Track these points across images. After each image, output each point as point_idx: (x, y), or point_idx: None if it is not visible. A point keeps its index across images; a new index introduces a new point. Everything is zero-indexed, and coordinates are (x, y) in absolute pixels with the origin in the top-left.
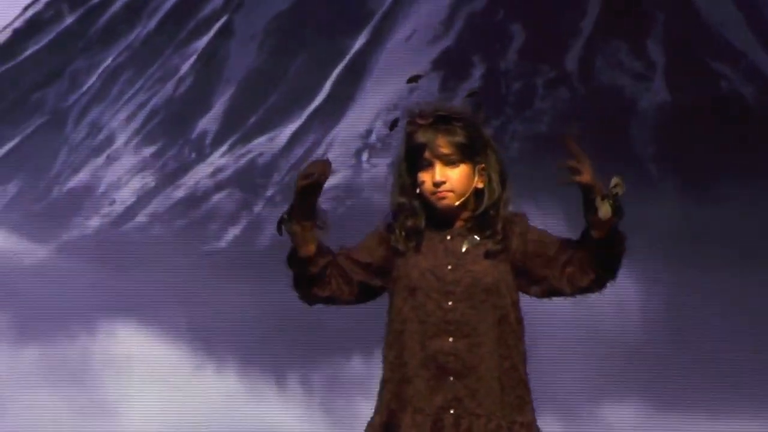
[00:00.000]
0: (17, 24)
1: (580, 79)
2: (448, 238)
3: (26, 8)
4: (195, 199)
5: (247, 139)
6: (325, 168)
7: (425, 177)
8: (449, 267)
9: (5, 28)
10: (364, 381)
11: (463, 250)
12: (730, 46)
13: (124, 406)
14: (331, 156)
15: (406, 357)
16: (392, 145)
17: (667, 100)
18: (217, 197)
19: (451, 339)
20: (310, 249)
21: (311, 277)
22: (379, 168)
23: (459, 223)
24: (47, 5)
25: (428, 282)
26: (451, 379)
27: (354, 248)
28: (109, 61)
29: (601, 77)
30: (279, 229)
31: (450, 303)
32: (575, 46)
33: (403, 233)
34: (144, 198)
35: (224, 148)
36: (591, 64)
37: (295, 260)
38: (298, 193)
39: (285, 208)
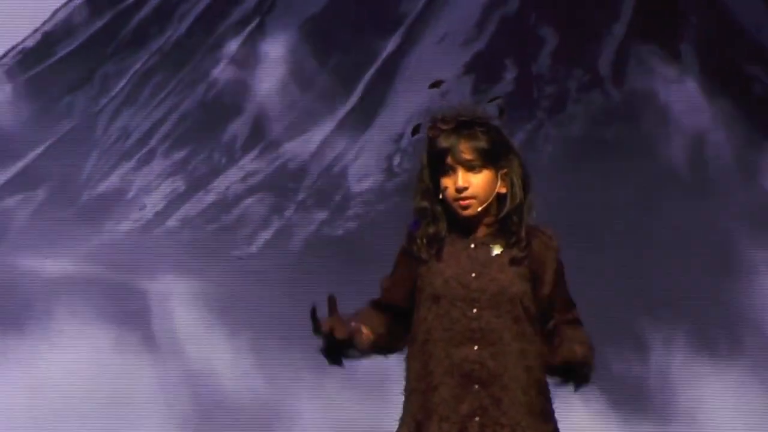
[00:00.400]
0: (47, 27)
1: (613, 82)
2: (472, 246)
3: (56, 12)
4: (226, 203)
5: (277, 143)
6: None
7: (448, 182)
8: (473, 275)
9: (35, 31)
10: None
11: (493, 254)
12: (764, 48)
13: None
14: (362, 160)
15: (432, 366)
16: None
17: (701, 103)
18: (248, 201)
19: (476, 347)
20: (371, 350)
21: (390, 352)
22: (411, 172)
23: (482, 230)
24: (77, 9)
25: (452, 290)
26: (476, 387)
27: (389, 288)
28: (139, 64)
29: (634, 81)
30: (335, 363)
31: (475, 311)
32: (608, 50)
33: (425, 241)
34: (175, 202)
35: (255, 152)
36: (624, 67)
37: (366, 356)
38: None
39: (316, 213)
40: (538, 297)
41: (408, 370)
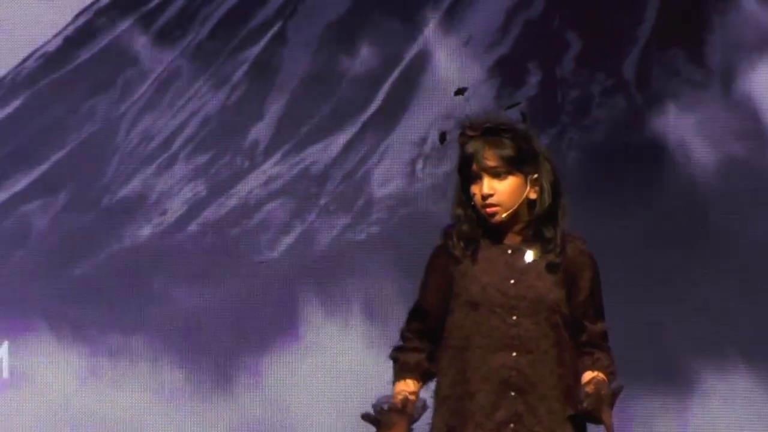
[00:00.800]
0: (68, 32)
1: (637, 87)
2: (509, 252)
3: (77, 16)
4: (247, 208)
5: (300, 147)
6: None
7: (475, 189)
8: (512, 281)
9: (56, 36)
10: None
11: (529, 261)
12: None
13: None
14: (385, 165)
15: (469, 373)
16: (447, 155)
17: (725, 109)
18: (270, 206)
19: (514, 354)
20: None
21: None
22: (434, 177)
23: (516, 236)
24: (98, 13)
25: (491, 297)
26: (512, 394)
27: (425, 295)
28: (161, 68)
29: (658, 85)
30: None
31: (514, 318)
32: (632, 54)
33: (460, 240)
34: (196, 207)
35: (277, 156)
36: (648, 71)
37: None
38: None
39: (339, 218)
40: (573, 303)
41: (441, 375)
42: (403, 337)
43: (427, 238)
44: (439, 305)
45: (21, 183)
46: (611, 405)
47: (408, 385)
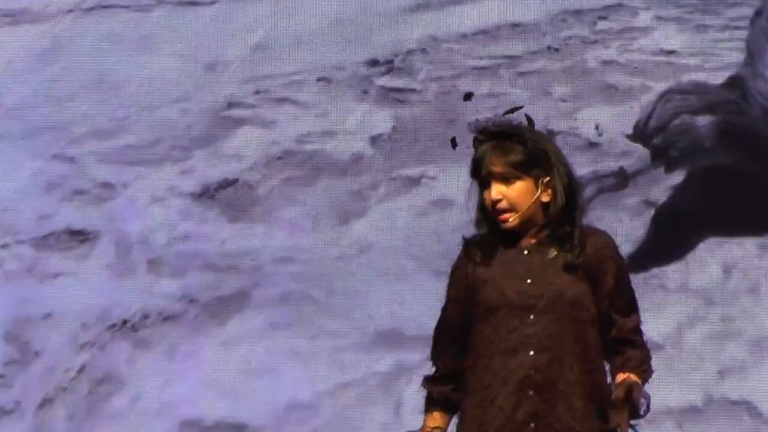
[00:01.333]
0: (57, 31)
1: None
2: (525, 252)
3: (65, 15)
4: (239, 209)
5: (292, 149)
6: None
7: (486, 194)
8: (529, 281)
9: (45, 33)
10: None
11: (547, 258)
12: None
13: None
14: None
15: (489, 379)
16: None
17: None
18: (261, 208)
19: (532, 352)
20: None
21: None
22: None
23: (531, 238)
24: (88, 11)
25: (509, 299)
26: (531, 393)
27: (447, 309)
28: (150, 69)
29: None
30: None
31: (532, 317)
32: None
33: (479, 250)
34: (188, 208)
35: (269, 157)
36: None
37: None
38: None
39: (337, 218)
40: (600, 297)
41: (464, 382)
42: (434, 363)
43: (428, 240)
44: (462, 316)
45: (11, 185)
46: (628, 403)
47: (435, 419)
